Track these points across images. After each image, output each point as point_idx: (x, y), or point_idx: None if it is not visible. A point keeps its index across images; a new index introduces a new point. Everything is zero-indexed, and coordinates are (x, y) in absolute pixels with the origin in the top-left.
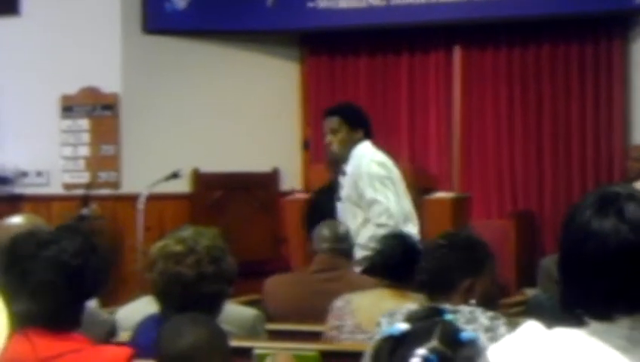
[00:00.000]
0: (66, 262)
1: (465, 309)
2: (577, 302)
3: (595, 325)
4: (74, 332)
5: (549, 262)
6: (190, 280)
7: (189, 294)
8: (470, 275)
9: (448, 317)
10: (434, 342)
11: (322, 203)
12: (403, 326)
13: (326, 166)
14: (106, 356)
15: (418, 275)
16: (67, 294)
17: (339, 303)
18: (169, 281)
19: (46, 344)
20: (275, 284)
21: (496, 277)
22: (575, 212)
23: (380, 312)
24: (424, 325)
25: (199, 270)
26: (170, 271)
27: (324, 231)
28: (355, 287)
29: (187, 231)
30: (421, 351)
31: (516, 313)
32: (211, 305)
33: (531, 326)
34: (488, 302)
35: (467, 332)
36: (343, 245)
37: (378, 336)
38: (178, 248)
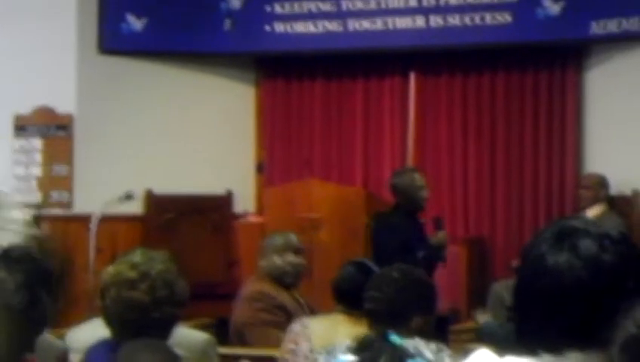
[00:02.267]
0: (8, 304)
1: (409, 343)
2: (530, 334)
3: (547, 357)
4: (27, 359)
5: (500, 288)
6: (144, 305)
7: (143, 319)
8: (421, 313)
9: (395, 340)
10: None
11: None
12: (350, 358)
13: None
14: None
15: (369, 303)
16: (16, 333)
17: (295, 327)
18: (122, 307)
19: None
20: None
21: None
22: (532, 245)
23: (335, 337)
24: (371, 355)
25: (153, 295)
26: (124, 298)
27: None
28: None
29: (139, 256)
30: None
31: (467, 339)
32: (164, 330)
33: (482, 354)
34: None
35: (413, 359)
36: None
37: None
38: (131, 274)
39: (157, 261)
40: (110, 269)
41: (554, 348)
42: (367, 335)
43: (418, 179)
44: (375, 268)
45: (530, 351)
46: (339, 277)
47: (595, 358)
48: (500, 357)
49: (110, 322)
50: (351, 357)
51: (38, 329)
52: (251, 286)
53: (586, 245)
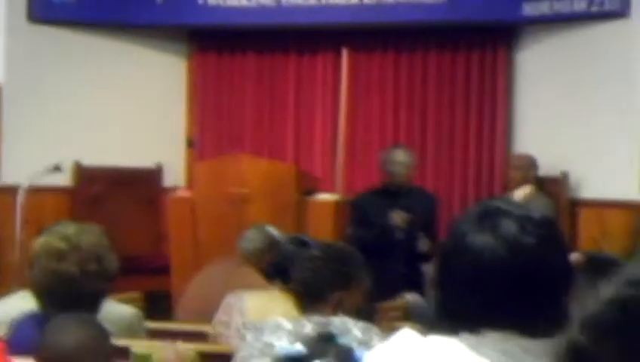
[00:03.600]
0: None
1: (336, 320)
2: (451, 313)
3: (467, 336)
4: None
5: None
6: (73, 277)
7: (71, 292)
8: (340, 288)
9: (341, 341)
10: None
11: None
12: (300, 348)
13: None
14: None
15: (292, 284)
16: None
17: (230, 299)
18: (51, 279)
19: None
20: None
21: (367, 289)
22: (456, 224)
23: (268, 313)
24: (321, 345)
25: (83, 268)
26: (53, 269)
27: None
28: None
29: (70, 228)
30: None
31: (395, 317)
32: (92, 304)
33: (406, 333)
34: (360, 316)
35: (360, 351)
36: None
37: (279, 354)
38: (61, 245)
39: (88, 233)
40: (40, 240)
41: (473, 327)
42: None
43: (395, 154)
44: (313, 242)
45: (452, 329)
46: (285, 256)
47: (512, 339)
48: (423, 336)
49: (38, 293)
50: (302, 347)
51: None
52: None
53: (507, 226)
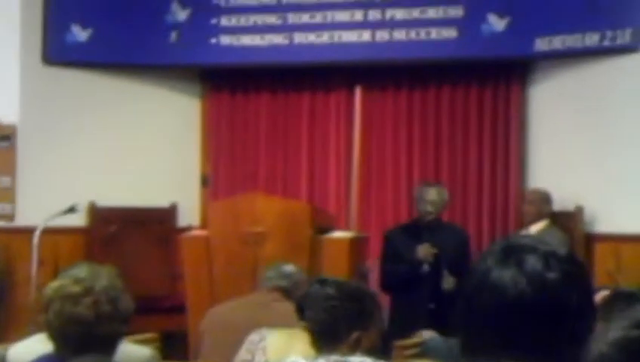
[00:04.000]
0: None
1: (355, 360)
2: (473, 349)
3: None
4: None
5: None
6: (88, 321)
7: (86, 335)
8: (358, 328)
9: None
10: None
11: None
12: None
13: None
14: None
15: (307, 323)
16: None
17: (253, 337)
18: (66, 322)
19: None
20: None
21: (382, 328)
22: (478, 261)
23: (289, 352)
24: None
25: (97, 311)
26: (67, 312)
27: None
28: (282, 317)
29: (83, 271)
30: None
31: (412, 355)
32: (108, 346)
33: None
34: (376, 355)
35: None
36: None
37: None
38: (75, 289)
39: (102, 276)
40: (54, 283)
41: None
42: None
43: (426, 192)
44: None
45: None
46: (302, 294)
47: None
48: None
49: (53, 337)
50: None
51: None
52: None
53: (532, 262)
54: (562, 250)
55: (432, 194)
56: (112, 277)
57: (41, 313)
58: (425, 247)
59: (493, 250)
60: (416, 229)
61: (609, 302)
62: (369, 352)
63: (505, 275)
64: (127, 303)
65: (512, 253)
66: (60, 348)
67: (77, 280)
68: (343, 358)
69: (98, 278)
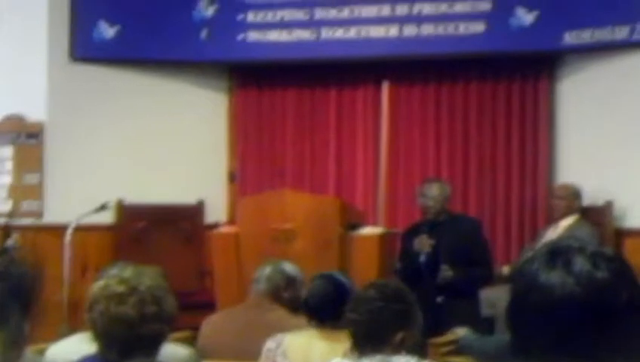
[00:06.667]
0: None
1: (400, 360)
2: (524, 350)
3: None
4: None
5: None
6: (132, 320)
7: (131, 335)
8: (402, 329)
9: None
10: None
11: None
12: None
13: None
14: None
15: (349, 326)
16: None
17: (270, 344)
18: (110, 322)
19: None
20: (211, 322)
21: (421, 325)
22: (524, 264)
23: (310, 353)
24: None
25: (142, 311)
26: (112, 312)
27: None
28: (283, 323)
29: (128, 271)
30: None
31: (447, 352)
32: (152, 346)
33: None
34: (416, 352)
35: None
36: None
37: None
38: (120, 288)
39: (146, 276)
40: (100, 283)
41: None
42: None
43: (427, 188)
44: (344, 279)
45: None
46: (308, 293)
47: None
48: None
49: (97, 336)
50: None
51: (15, 348)
52: None
53: (579, 262)
54: (609, 250)
55: (431, 189)
56: (157, 277)
57: (86, 312)
58: (421, 239)
59: (538, 253)
60: (427, 225)
61: None
62: (411, 351)
63: (553, 276)
64: (171, 303)
65: (558, 255)
66: (105, 348)
67: (122, 280)
68: (388, 359)
69: (143, 278)
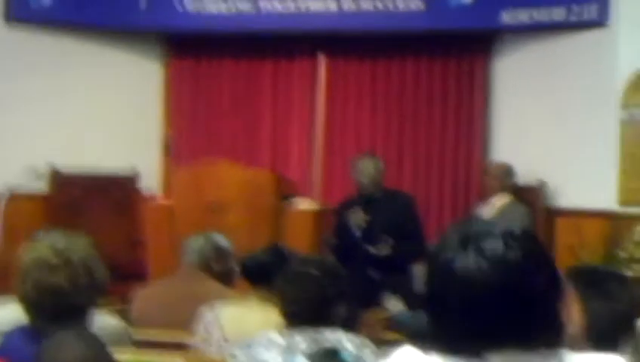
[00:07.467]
0: None
1: (329, 335)
2: (448, 337)
3: (469, 359)
4: None
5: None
6: (64, 291)
7: (62, 305)
8: (338, 304)
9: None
10: None
11: None
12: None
13: None
14: None
15: (290, 305)
16: None
17: (207, 315)
18: (42, 292)
19: None
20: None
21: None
22: (438, 252)
23: (246, 325)
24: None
25: (74, 281)
26: (44, 283)
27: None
28: (213, 295)
29: (60, 240)
30: None
31: (380, 328)
32: (83, 316)
33: (408, 352)
34: (349, 326)
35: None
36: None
37: None
38: (53, 259)
39: (78, 245)
40: (31, 253)
41: (474, 350)
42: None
43: (361, 164)
44: (285, 250)
45: (450, 351)
46: (250, 260)
47: (518, 356)
48: (424, 354)
49: (28, 306)
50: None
51: None
52: None
53: (491, 246)
54: (517, 229)
55: (364, 164)
56: (88, 247)
57: (16, 281)
58: (355, 214)
59: (448, 239)
60: (361, 201)
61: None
62: (344, 325)
63: (468, 263)
64: (102, 274)
65: (470, 240)
66: (35, 318)
67: (54, 250)
68: (318, 334)
69: (75, 248)
